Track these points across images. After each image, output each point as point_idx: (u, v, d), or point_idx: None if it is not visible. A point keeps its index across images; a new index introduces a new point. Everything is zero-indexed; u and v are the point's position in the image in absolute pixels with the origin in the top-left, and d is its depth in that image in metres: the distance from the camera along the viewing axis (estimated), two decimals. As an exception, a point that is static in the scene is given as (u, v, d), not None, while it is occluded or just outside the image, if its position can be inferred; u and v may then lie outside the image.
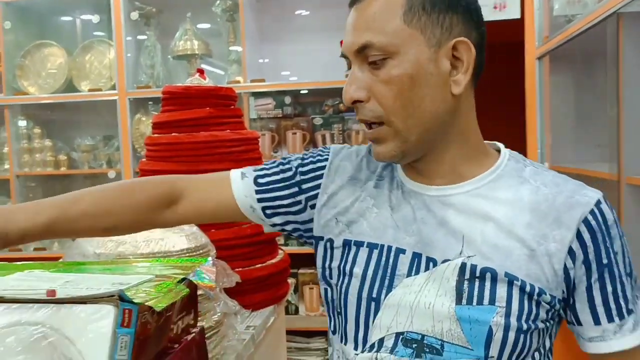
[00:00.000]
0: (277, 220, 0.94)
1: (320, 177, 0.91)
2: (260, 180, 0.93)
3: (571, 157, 2.39)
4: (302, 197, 0.92)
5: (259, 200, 0.92)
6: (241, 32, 3.02)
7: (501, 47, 2.97)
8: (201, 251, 1.43)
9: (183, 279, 1.13)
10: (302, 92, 3.16)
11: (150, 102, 3.17)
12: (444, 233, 0.78)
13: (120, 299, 0.87)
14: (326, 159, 0.92)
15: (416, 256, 0.79)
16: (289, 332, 2.69)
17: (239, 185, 0.93)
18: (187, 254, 1.38)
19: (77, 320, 0.86)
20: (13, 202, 3.21)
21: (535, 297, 0.74)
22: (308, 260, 3.07)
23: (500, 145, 0.86)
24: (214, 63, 3.28)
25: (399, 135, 0.77)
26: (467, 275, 0.75)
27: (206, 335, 1.26)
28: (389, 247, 0.80)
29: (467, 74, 0.77)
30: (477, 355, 0.74)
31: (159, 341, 1.03)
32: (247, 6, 3.01)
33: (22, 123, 3.30)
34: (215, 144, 1.78)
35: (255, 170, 0.95)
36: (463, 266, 0.75)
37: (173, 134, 1.82)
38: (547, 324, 0.77)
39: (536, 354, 0.78)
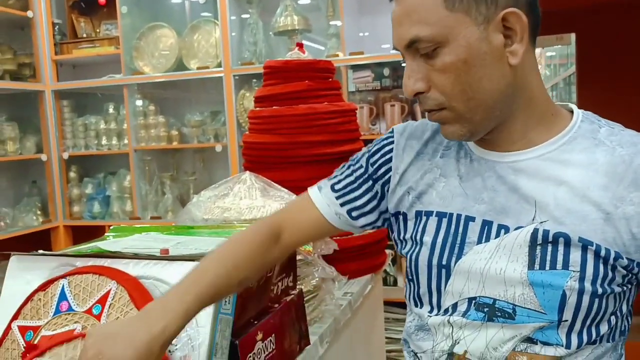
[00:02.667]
0: (363, 220, 0.96)
1: (389, 160, 0.92)
2: (337, 187, 0.96)
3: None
4: (378, 187, 0.94)
5: (342, 205, 0.95)
6: (340, 6, 3.04)
7: None
8: (300, 219, 1.49)
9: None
10: (402, 64, 3.13)
11: (253, 79, 3.28)
12: (516, 200, 0.78)
13: (225, 258, 0.95)
14: (392, 142, 0.93)
15: (486, 224, 0.79)
16: (387, 303, 2.72)
17: (320, 198, 0.96)
18: (287, 221, 1.45)
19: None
20: (132, 174, 3.49)
21: (610, 261, 0.73)
22: (406, 232, 3.07)
23: (573, 106, 0.83)
24: (313, 38, 3.33)
25: (462, 118, 0.77)
26: (539, 241, 0.75)
27: (305, 299, 1.32)
28: (458, 215, 0.81)
29: (523, 42, 0.76)
30: (550, 319, 0.74)
31: (260, 300, 1.10)
32: (346, -21, 3.02)
33: (139, 101, 3.56)
34: (314, 116, 1.82)
35: (329, 180, 0.98)
36: (535, 232, 0.75)
37: (274, 107, 1.88)
38: (624, 287, 0.76)
39: (612, 318, 0.77)
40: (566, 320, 0.74)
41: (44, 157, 3.59)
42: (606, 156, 0.76)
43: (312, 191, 0.98)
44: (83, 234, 3.57)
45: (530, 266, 0.75)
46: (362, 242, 1.85)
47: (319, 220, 0.96)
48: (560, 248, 0.74)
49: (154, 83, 3.48)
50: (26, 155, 3.55)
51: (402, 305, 3.05)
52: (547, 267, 0.74)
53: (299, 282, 1.32)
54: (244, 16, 3.36)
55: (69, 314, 0.94)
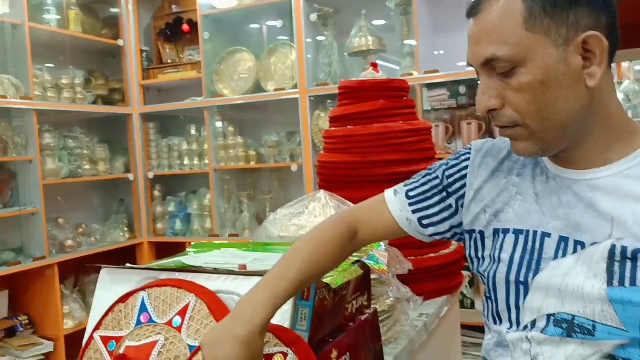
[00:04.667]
0: (432, 230, 0.98)
1: (465, 176, 0.94)
2: (411, 194, 0.99)
3: None
4: (452, 200, 0.95)
5: (414, 212, 0.98)
6: (414, 25, 3.03)
7: None
8: (374, 238, 1.49)
9: (357, 261, 1.20)
10: (478, 81, 3.07)
11: (328, 100, 3.33)
12: (592, 216, 0.78)
13: (300, 274, 0.96)
14: (468, 158, 0.95)
15: (563, 240, 0.79)
16: (465, 327, 2.65)
17: (394, 202, 1.00)
18: (361, 240, 1.45)
19: (263, 291, 0.97)
20: (211, 193, 3.61)
21: None
22: (485, 254, 2.98)
23: None
24: (388, 58, 3.34)
25: (535, 136, 0.78)
26: (617, 257, 0.75)
27: (379, 319, 1.31)
28: (535, 232, 0.82)
29: (602, 65, 0.75)
30: (632, 337, 0.73)
31: (335, 317, 1.10)
32: (421, -2, 3.02)
33: (219, 123, 3.70)
34: (388, 135, 1.82)
35: (405, 186, 1.02)
36: (613, 248, 0.75)
37: (348, 127, 1.90)
38: None
39: None
40: None
41: (131, 176, 3.80)
42: None
43: (388, 194, 1.02)
44: (165, 249, 3.73)
45: (610, 283, 0.74)
46: (438, 262, 1.82)
47: (391, 223, 1.00)
48: None
49: (233, 105, 3.61)
50: (115, 174, 3.77)
51: (480, 329, 2.95)
52: (627, 284, 0.73)
53: (373, 302, 1.31)
54: (319, 38, 3.43)
55: (150, 325, 0.98)
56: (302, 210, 1.54)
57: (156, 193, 3.90)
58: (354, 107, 1.90)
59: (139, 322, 0.99)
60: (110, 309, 1.03)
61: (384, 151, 1.82)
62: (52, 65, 3.50)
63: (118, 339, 0.99)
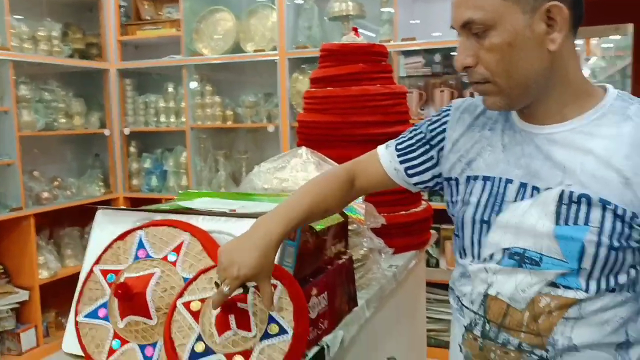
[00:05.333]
0: (417, 179, 1.11)
1: (445, 130, 1.06)
2: (399, 147, 1.12)
3: None
4: (434, 152, 1.08)
5: (401, 162, 1.11)
6: (394, -8, 3.09)
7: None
8: (351, 192, 1.59)
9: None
10: (452, 52, 3.17)
11: (307, 63, 3.38)
12: (549, 166, 0.89)
13: (287, 216, 1.05)
14: (448, 114, 1.07)
15: (522, 185, 0.91)
16: (429, 284, 2.80)
17: (385, 154, 1.13)
18: (339, 193, 1.55)
19: (254, 231, 1.06)
20: (188, 151, 3.66)
21: (627, 219, 0.83)
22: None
23: (609, 87, 0.93)
24: (366, 25, 3.40)
25: (502, 92, 0.89)
26: (565, 201, 0.86)
27: (354, 266, 1.42)
28: (500, 179, 0.94)
29: (562, 32, 0.86)
30: (570, 267, 0.86)
31: (315, 259, 1.21)
32: (401, -34, 3.07)
33: (197, 82, 3.72)
34: (366, 98, 1.91)
35: (395, 140, 1.15)
36: (562, 193, 0.86)
37: (328, 88, 1.98)
38: None
39: (632, 270, 0.87)
40: (585, 269, 0.85)
41: (107, 131, 3.81)
42: (632, 130, 0.86)
43: (380, 148, 1.16)
44: (141, 205, 3.77)
45: (557, 222, 0.86)
46: (408, 219, 1.93)
47: (382, 172, 1.12)
48: (583, 207, 0.85)
49: (212, 64, 3.63)
50: (91, 129, 3.77)
51: (443, 286, 3.13)
52: (571, 223, 0.85)
53: (349, 251, 1.42)
54: (299, 1, 3.46)
55: (147, 260, 1.07)
56: (284, 165, 1.63)
57: (132, 149, 3.92)
58: (335, 69, 1.97)
59: (136, 257, 1.08)
60: (109, 246, 1.11)
61: (361, 112, 1.91)
62: (29, 17, 3.45)
63: (117, 272, 1.08)
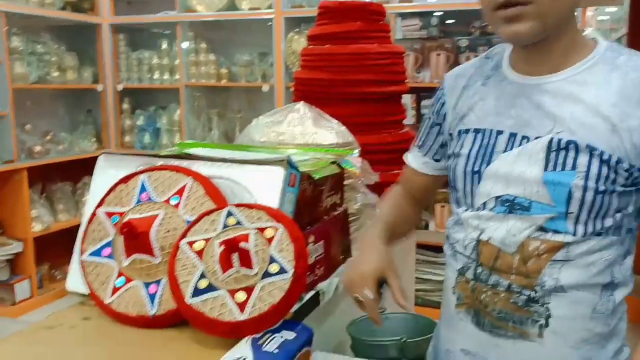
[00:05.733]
0: (444, 162, 1.11)
1: (444, 103, 1.08)
2: (418, 143, 1.14)
3: None
4: (444, 128, 1.09)
5: (424, 154, 1.13)
6: (393, -48, 3.06)
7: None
8: (348, 147, 1.62)
9: (334, 162, 1.33)
10: (448, 16, 3.16)
11: (302, 23, 3.36)
12: (539, 115, 0.91)
13: (288, 164, 1.08)
14: (443, 87, 1.09)
15: (512, 135, 0.93)
16: (419, 246, 2.86)
17: (411, 158, 1.16)
18: (336, 148, 1.58)
19: (255, 176, 1.09)
20: (181, 109, 3.66)
21: (613, 164, 0.86)
22: (442, 180, 3.18)
23: (599, 38, 0.95)
24: (364, -16, 3.38)
25: (540, 16, 0.87)
26: (554, 148, 0.89)
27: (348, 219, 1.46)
28: (490, 130, 0.96)
29: None
30: (558, 211, 0.89)
31: (312, 209, 1.24)
32: None
33: (191, 39, 3.68)
34: (364, 56, 1.93)
35: (414, 141, 1.17)
36: (551, 140, 0.89)
37: (326, 45, 1.99)
38: (627, 189, 0.89)
39: (618, 215, 0.90)
40: (572, 212, 0.88)
41: (99, 87, 3.78)
42: (619, 79, 0.89)
43: (405, 156, 1.18)
44: (133, 162, 3.78)
45: (545, 168, 0.89)
46: (401, 178, 1.97)
47: (417, 174, 1.15)
48: (571, 153, 0.88)
49: (206, 22, 3.60)
50: (84, 84, 3.74)
51: (432, 248, 3.19)
52: (559, 169, 0.88)
53: (343, 205, 1.45)
54: (297, -41, 3.42)
55: (150, 202, 1.10)
56: (281, 120, 1.65)
57: (125, 106, 3.91)
58: (333, 26, 1.98)
59: (139, 200, 1.11)
60: (112, 189, 1.14)
61: (359, 70, 1.93)
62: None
63: (120, 214, 1.10)
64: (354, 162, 1.44)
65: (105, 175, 1.21)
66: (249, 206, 1.03)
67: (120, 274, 1.06)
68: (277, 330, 0.93)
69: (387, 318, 1.53)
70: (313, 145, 1.55)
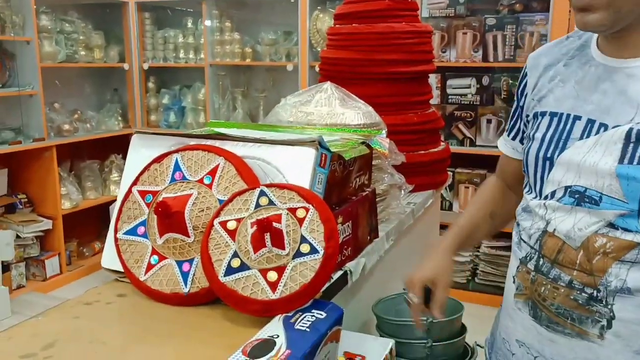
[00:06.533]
0: None
1: (526, 83, 1.05)
2: (508, 127, 1.13)
3: None
4: (527, 111, 1.05)
5: (513, 139, 1.11)
6: None
7: None
8: (375, 128, 1.61)
9: (363, 142, 1.33)
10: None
11: (328, 1, 3.34)
12: (621, 101, 0.86)
13: (319, 144, 1.09)
14: (525, 67, 1.05)
15: (590, 122, 0.89)
16: (442, 227, 2.86)
17: (502, 143, 1.16)
18: (364, 128, 1.58)
19: (286, 156, 1.10)
20: (206, 88, 3.67)
21: None
22: (466, 160, 3.16)
23: None
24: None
25: (613, 5, 0.82)
26: (632, 139, 0.83)
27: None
28: (567, 115, 0.92)
29: None
30: (630, 208, 0.84)
31: (342, 189, 1.25)
32: None
33: (216, 18, 3.68)
34: (391, 35, 1.90)
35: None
36: (630, 131, 0.83)
37: (353, 24, 1.97)
38: None
39: None
40: None
41: (126, 66, 3.82)
42: None
43: (498, 142, 1.18)
44: (159, 141, 3.82)
45: (621, 160, 0.84)
46: (427, 159, 1.97)
47: (511, 161, 1.13)
48: None
49: (231, 1, 3.58)
50: (110, 63, 3.78)
51: (456, 229, 3.18)
52: (635, 162, 0.82)
53: (372, 185, 1.46)
54: (322, -64, 3.38)
55: (183, 182, 1.12)
56: (309, 100, 1.65)
57: (150, 85, 3.94)
58: (360, 5, 1.96)
59: (173, 179, 1.13)
60: (146, 168, 1.16)
61: (386, 50, 1.91)
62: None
63: (154, 193, 1.12)
64: (382, 142, 1.44)
65: (138, 154, 1.23)
66: (281, 186, 1.04)
67: (154, 252, 1.08)
68: (308, 310, 0.95)
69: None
70: (341, 126, 1.55)
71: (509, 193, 1.16)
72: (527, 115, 1.02)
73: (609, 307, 0.86)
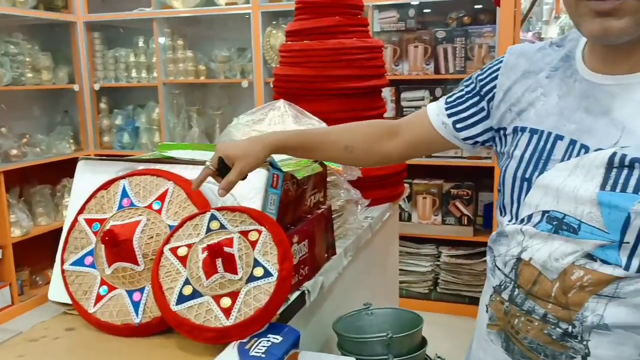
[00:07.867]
0: (465, 133, 1.01)
1: (496, 78, 0.96)
2: (449, 99, 1.03)
3: None
4: (484, 103, 0.98)
5: (449, 116, 1.01)
6: (369, -55, 3.06)
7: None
8: (329, 144, 1.62)
9: (316, 160, 1.32)
10: (425, 7, 3.17)
11: (280, 17, 3.34)
12: (605, 123, 0.79)
13: (270, 165, 1.08)
14: (501, 61, 0.97)
15: (572, 143, 0.82)
16: (402, 238, 2.88)
17: (433, 109, 1.04)
18: (317, 145, 1.58)
19: (237, 179, 1.08)
20: (160, 107, 3.62)
21: None
22: (422, 171, 3.19)
23: None
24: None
25: (639, 11, 0.74)
26: (615, 164, 0.77)
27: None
28: (549, 133, 0.85)
29: None
30: (611, 239, 0.77)
31: (296, 208, 1.24)
32: None
33: (168, 36, 3.63)
34: (343, 51, 1.91)
35: (446, 95, 1.05)
36: (613, 155, 0.77)
37: (305, 41, 1.97)
38: None
39: None
40: (628, 242, 0.76)
41: (76, 87, 3.72)
42: None
43: (430, 104, 1.07)
44: (113, 162, 3.73)
45: (602, 187, 0.77)
46: (383, 172, 1.98)
47: (428, 127, 1.04)
48: (636, 173, 0.75)
49: (183, 18, 3.55)
50: (59, 84, 3.68)
51: (415, 240, 3.22)
52: (618, 189, 0.76)
53: (327, 201, 1.46)
54: (272, -47, 3.39)
55: (131, 208, 1.09)
56: (262, 118, 1.64)
57: (102, 105, 3.85)
58: (311, 22, 1.97)
59: (120, 206, 1.09)
60: (93, 195, 1.12)
61: (338, 66, 1.92)
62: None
63: (102, 221, 1.09)
64: (336, 159, 1.43)
65: (85, 180, 1.20)
66: (232, 209, 1.02)
67: (103, 282, 1.05)
68: (264, 334, 0.93)
69: (373, 314, 1.55)
70: (294, 144, 1.54)
71: (389, 141, 1.06)
72: (504, 128, 0.94)
73: (584, 343, 0.81)
